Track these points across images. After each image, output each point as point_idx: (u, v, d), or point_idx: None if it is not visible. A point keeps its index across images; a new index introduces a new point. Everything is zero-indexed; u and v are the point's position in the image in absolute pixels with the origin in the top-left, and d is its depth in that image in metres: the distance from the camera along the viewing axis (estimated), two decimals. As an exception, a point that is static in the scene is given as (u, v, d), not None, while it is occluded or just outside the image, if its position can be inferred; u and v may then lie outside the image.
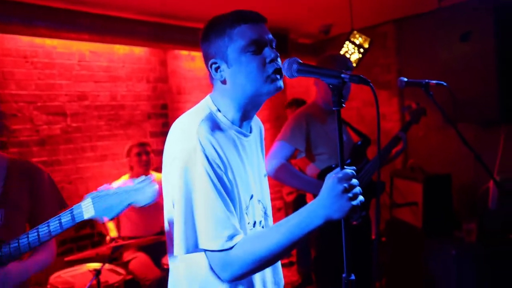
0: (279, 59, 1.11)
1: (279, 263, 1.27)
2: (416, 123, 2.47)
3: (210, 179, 1.00)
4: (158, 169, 3.68)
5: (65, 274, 2.66)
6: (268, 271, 1.21)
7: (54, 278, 2.60)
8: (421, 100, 2.59)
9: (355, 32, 3.40)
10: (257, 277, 1.15)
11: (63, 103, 3.45)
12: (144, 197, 1.12)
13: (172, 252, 1.08)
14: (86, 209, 1.18)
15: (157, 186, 1.11)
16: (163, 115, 4.10)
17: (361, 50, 3.39)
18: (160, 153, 4.22)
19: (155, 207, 3.38)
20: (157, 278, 2.82)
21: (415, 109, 2.47)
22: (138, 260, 2.97)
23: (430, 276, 2.91)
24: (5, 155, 1.53)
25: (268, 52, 1.10)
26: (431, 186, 3.05)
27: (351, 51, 3.41)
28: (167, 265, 2.79)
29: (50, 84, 3.38)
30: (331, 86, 1.00)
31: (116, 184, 1.17)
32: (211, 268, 1.04)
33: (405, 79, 1.92)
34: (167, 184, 1.08)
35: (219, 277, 1.04)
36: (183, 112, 1.15)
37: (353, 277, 1.01)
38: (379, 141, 1.03)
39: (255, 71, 1.08)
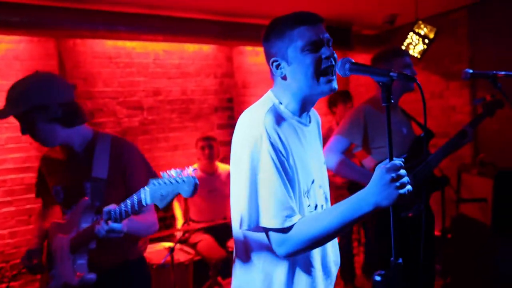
0: (335, 55, 1.21)
1: (337, 244, 1.37)
2: (490, 116, 2.34)
3: (274, 164, 1.11)
4: (224, 159, 3.93)
5: (144, 250, 3.00)
6: (329, 249, 1.30)
7: (134, 253, 2.94)
8: (492, 91, 2.46)
9: (419, 22, 3.30)
10: (316, 254, 1.25)
11: (140, 98, 3.82)
12: (187, 190, 1.22)
13: (238, 232, 1.24)
14: (145, 196, 1.31)
15: (197, 181, 1.22)
16: (229, 108, 4.33)
17: (426, 41, 3.29)
18: (226, 144, 4.50)
19: (220, 194, 3.65)
20: (222, 259, 3.05)
21: (489, 101, 2.33)
22: (205, 242, 3.23)
23: (499, 276, 2.79)
24: (108, 133, 1.70)
25: (324, 50, 1.19)
26: (503, 182, 2.89)
27: (415, 42, 3.32)
28: (232, 247, 3.02)
29: (130, 81, 3.77)
30: (380, 84, 1.08)
31: (173, 172, 1.26)
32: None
33: (470, 71, 1.89)
34: (236, 169, 1.19)
35: (278, 255, 1.16)
36: (248, 105, 1.29)
37: (400, 260, 1.08)
38: (424, 139, 1.09)
39: (310, 68, 1.18)
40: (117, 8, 3.23)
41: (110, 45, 3.64)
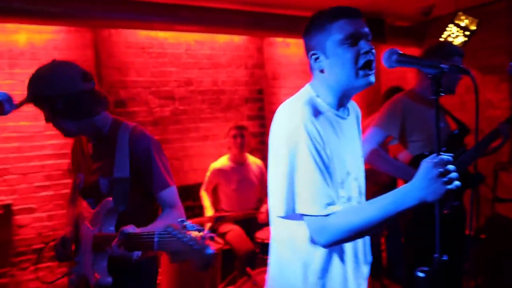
0: (373, 51, 1.20)
1: (369, 240, 1.37)
2: None
3: (311, 153, 1.13)
4: (254, 151, 3.94)
5: (174, 238, 3.06)
6: (360, 244, 1.32)
7: (165, 240, 3.01)
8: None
9: (460, 13, 3.19)
10: (348, 249, 1.26)
11: (172, 88, 3.86)
12: (200, 261, 1.10)
13: (275, 221, 1.25)
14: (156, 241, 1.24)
15: (213, 253, 1.10)
16: (259, 99, 4.32)
17: (467, 32, 3.18)
18: (256, 135, 4.49)
19: (249, 184, 3.67)
20: (250, 250, 3.08)
21: None
22: (234, 232, 3.26)
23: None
24: (129, 125, 1.62)
25: (363, 45, 1.19)
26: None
27: (454, 34, 3.21)
28: (260, 238, 3.05)
29: (162, 71, 3.82)
30: (429, 76, 1.06)
31: (191, 229, 1.16)
32: (309, 235, 1.18)
33: (517, 64, 1.82)
34: (274, 159, 1.22)
35: (315, 244, 1.18)
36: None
37: (445, 257, 1.07)
38: (477, 133, 1.06)
39: (349, 62, 1.19)
40: (151, -1, 3.27)
41: (143, 35, 3.69)
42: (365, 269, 1.35)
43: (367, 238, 1.37)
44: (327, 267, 1.22)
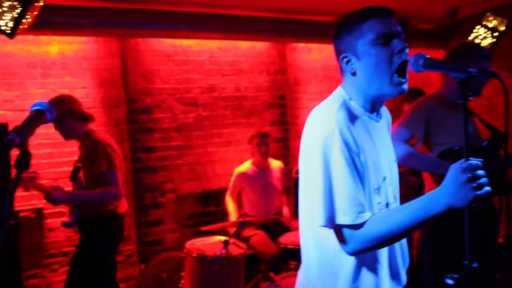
0: (407, 50, 1.16)
1: (406, 244, 1.33)
2: None
3: (345, 160, 1.10)
4: (276, 156, 3.95)
5: (198, 242, 3.08)
6: (397, 249, 1.27)
7: (189, 244, 3.03)
8: None
9: (488, 14, 3.11)
10: (383, 254, 1.22)
11: (196, 94, 3.93)
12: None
13: (305, 228, 1.25)
14: None
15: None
16: (282, 105, 4.33)
17: (496, 33, 3.09)
18: (278, 141, 4.48)
19: (273, 189, 3.67)
20: (275, 254, 3.08)
21: None
22: (258, 237, 3.27)
23: None
24: (96, 137, 2.54)
25: (396, 43, 1.15)
26: None
27: (482, 36, 3.14)
28: (284, 244, 3.05)
29: (186, 78, 3.89)
30: (457, 80, 1.04)
31: None
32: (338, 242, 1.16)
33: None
34: (307, 165, 1.18)
35: (343, 252, 1.15)
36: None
37: (476, 264, 1.05)
38: (506, 139, 1.04)
39: (383, 62, 1.15)
40: (176, 8, 3.34)
41: (168, 43, 3.77)
42: (403, 275, 1.31)
43: (404, 242, 1.33)
44: (357, 276, 1.19)
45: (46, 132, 3.29)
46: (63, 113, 2.51)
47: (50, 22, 2.92)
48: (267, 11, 3.68)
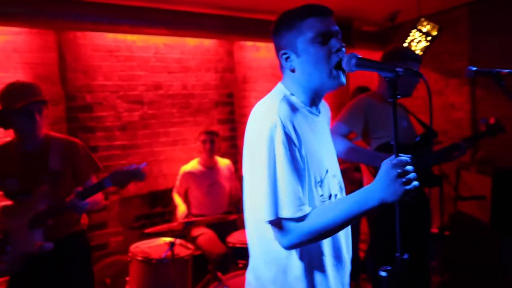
0: (343, 50, 1.20)
1: (350, 232, 1.35)
2: (491, 137, 2.41)
3: (287, 153, 1.11)
4: (224, 155, 3.92)
5: (143, 245, 2.98)
6: (341, 238, 1.30)
7: (133, 247, 2.93)
8: (492, 89, 2.49)
9: (422, 19, 3.31)
10: (327, 244, 1.24)
11: (141, 92, 3.79)
12: (138, 178, 1.91)
13: (250, 225, 1.24)
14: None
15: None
16: (230, 103, 4.31)
17: (429, 38, 3.30)
18: (226, 139, 4.46)
19: (220, 188, 3.66)
20: (222, 253, 3.05)
21: (493, 124, 2.41)
22: (205, 236, 3.23)
23: (496, 274, 2.82)
24: (56, 135, 2.20)
25: (334, 43, 1.19)
26: (502, 180, 2.93)
27: (417, 39, 3.33)
28: (232, 243, 3.03)
29: (130, 75, 3.74)
30: (387, 79, 1.08)
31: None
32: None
33: (474, 68, 1.90)
34: (251, 160, 1.18)
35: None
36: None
37: (406, 256, 1.09)
38: (430, 133, 1.09)
39: (321, 61, 1.18)
40: (120, 1, 3.20)
41: (110, 38, 3.61)
42: (348, 262, 1.34)
43: (349, 234, 1.36)
44: (306, 268, 1.20)
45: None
46: None
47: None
48: (214, 8, 3.64)
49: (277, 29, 1.26)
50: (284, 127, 1.12)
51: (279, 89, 1.28)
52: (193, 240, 3.22)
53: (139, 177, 1.92)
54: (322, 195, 1.22)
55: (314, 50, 1.19)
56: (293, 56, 1.22)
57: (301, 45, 1.20)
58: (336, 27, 1.22)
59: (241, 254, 2.97)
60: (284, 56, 1.24)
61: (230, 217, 3.13)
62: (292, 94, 1.25)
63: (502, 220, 2.85)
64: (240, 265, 3.01)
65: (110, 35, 3.59)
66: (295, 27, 1.20)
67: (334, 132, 2.25)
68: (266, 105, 1.22)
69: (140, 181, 1.94)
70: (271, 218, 1.12)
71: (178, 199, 3.45)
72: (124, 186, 1.92)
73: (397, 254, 1.11)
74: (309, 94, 1.25)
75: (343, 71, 1.20)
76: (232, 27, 3.77)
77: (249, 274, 1.31)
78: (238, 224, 3.42)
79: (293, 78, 1.25)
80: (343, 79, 1.22)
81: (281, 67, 1.28)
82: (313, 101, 1.28)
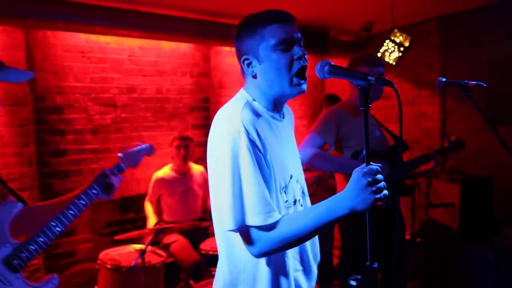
0: (305, 57, 1.20)
1: (317, 239, 1.35)
2: (453, 152, 2.53)
3: (253, 160, 1.09)
4: (198, 161, 3.87)
5: (113, 252, 2.89)
6: (307, 245, 1.29)
7: (103, 255, 2.83)
8: (461, 99, 2.58)
9: (395, 30, 3.39)
10: (294, 251, 1.23)
11: (114, 95, 3.70)
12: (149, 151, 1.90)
13: (217, 233, 1.21)
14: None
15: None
16: (205, 108, 4.27)
17: (401, 48, 3.38)
18: (201, 145, 4.41)
19: (193, 194, 3.59)
20: (195, 261, 3.00)
21: (453, 141, 2.55)
22: (178, 243, 3.16)
23: (465, 280, 2.89)
24: None
25: (296, 50, 1.19)
26: (470, 188, 3.01)
27: (391, 50, 3.40)
28: (205, 250, 2.98)
29: (103, 77, 3.65)
30: (359, 87, 1.08)
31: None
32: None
33: (444, 79, 1.95)
34: (215, 167, 1.14)
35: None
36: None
37: (376, 265, 1.09)
38: (400, 144, 1.09)
39: (283, 68, 1.18)
40: (92, 1, 3.12)
41: (82, 38, 3.51)
42: (314, 269, 1.33)
43: (315, 240, 1.35)
44: (273, 276, 1.18)
45: None
46: None
47: None
48: (190, 12, 3.60)
49: (239, 34, 1.23)
50: (248, 133, 1.11)
51: (241, 95, 1.26)
52: (165, 247, 3.15)
53: (150, 151, 1.93)
54: (287, 201, 1.21)
55: (276, 57, 1.17)
56: (255, 62, 1.21)
57: (263, 51, 1.18)
58: (299, 34, 1.21)
59: (214, 262, 2.87)
60: (246, 62, 1.23)
61: (203, 224, 3.08)
62: (254, 100, 1.24)
63: (469, 226, 2.93)
64: (213, 273, 2.94)
65: (83, 36, 3.49)
66: (258, 33, 1.18)
67: (308, 143, 2.26)
68: (229, 110, 1.19)
69: (150, 154, 1.93)
70: (235, 227, 1.09)
71: (149, 210, 3.35)
72: (137, 164, 1.86)
73: (367, 264, 1.10)
74: (271, 100, 1.24)
75: (304, 79, 1.21)
76: (209, 32, 3.74)
77: (216, 283, 1.28)
78: (211, 231, 3.37)
79: (255, 84, 1.24)
80: (304, 87, 1.22)
81: (243, 72, 1.27)
82: (275, 107, 1.26)
